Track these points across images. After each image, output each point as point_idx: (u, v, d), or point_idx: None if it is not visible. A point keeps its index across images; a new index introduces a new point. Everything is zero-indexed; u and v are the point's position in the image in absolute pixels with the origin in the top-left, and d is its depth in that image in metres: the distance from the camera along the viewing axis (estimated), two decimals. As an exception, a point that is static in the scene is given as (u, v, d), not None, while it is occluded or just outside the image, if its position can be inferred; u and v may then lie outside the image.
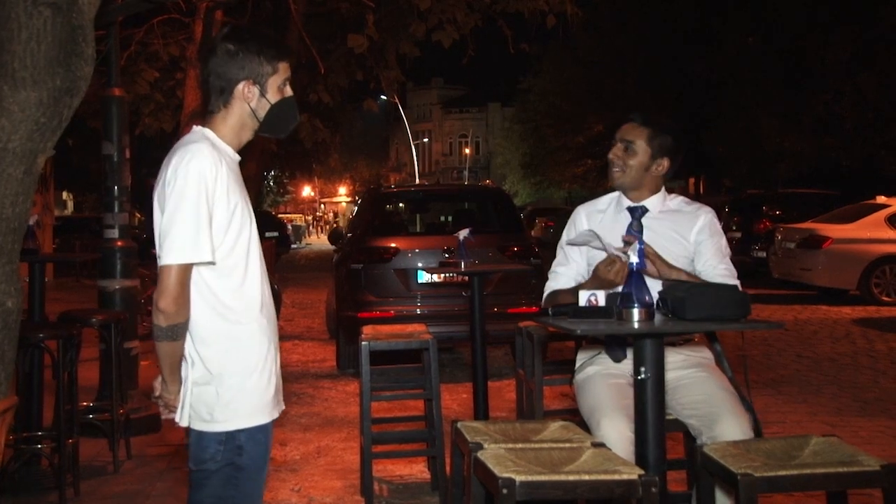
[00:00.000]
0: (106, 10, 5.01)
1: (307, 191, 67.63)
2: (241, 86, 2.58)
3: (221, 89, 2.59)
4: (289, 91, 2.66)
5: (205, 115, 2.67)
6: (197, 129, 2.62)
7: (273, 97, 2.62)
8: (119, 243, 6.16)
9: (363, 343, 4.69)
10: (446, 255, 7.48)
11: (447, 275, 7.64)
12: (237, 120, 2.61)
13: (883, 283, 13.06)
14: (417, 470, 5.24)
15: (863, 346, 9.41)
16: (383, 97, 14.89)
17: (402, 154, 70.41)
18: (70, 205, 40.08)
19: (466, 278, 5.61)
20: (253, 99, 2.60)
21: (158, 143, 13.88)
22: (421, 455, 5.23)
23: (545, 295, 3.62)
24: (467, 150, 69.42)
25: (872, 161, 23.11)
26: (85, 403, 5.62)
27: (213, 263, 2.48)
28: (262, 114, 2.62)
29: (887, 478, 2.55)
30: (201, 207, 2.43)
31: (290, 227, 39.71)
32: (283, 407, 2.71)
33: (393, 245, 8.07)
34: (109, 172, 6.16)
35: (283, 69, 2.63)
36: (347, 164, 59.86)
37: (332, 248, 10.79)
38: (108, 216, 6.21)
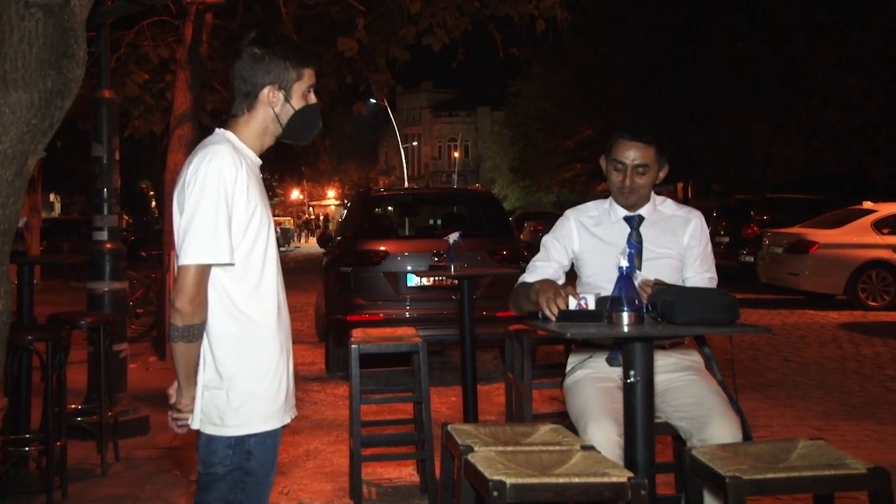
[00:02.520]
0: (96, 11, 5.00)
1: (296, 194, 67.48)
2: (266, 90, 2.58)
3: (246, 93, 2.59)
4: (313, 98, 2.67)
5: (228, 118, 2.66)
6: (219, 131, 2.62)
7: (297, 103, 2.62)
8: (108, 245, 6.15)
9: (353, 346, 4.69)
10: (436, 259, 7.49)
11: (437, 278, 7.65)
12: (260, 124, 2.62)
13: (869, 288, 13.14)
14: (407, 473, 5.24)
15: (849, 351, 9.46)
16: (373, 100, 14.88)
17: (392, 157, 70.38)
18: (57, 206, 39.92)
19: (456, 282, 5.62)
20: (277, 104, 2.60)
21: (148, 145, 13.84)
22: (410, 458, 5.23)
23: (517, 284, 3.56)
24: (456, 154, 69.45)
25: (860, 166, 23.23)
26: (73, 406, 5.60)
27: (231, 265, 2.48)
28: (285, 119, 2.62)
29: (874, 481, 2.57)
30: (220, 208, 2.43)
31: (279, 230, 39.59)
32: (295, 413, 2.72)
33: (382, 248, 8.07)
34: (99, 174, 6.15)
35: (308, 75, 2.63)
36: (337, 167, 59.69)
37: (321, 250, 10.79)
38: (97, 218, 6.19)
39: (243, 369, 2.53)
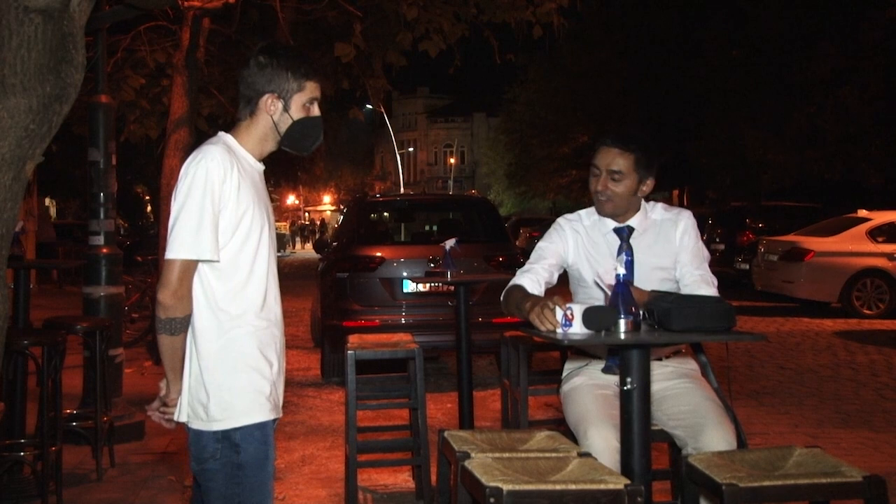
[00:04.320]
0: (94, 16, 5.00)
1: (291, 199, 67.52)
2: (265, 98, 2.65)
3: (249, 99, 2.67)
4: (315, 111, 2.72)
5: (234, 122, 2.74)
6: (220, 133, 2.70)
7: (296, 114, 2.68)
8: (104, 250, 6.15)
9: (349, 352, 4.69)
10: (432, 265, 7.49)
11: (433, 284, 7.65)
12: (261, 131, 2.68)
13: (864, 296, 13.16)
14: (402, 479, 5.24)
15: (844, 359, 9.48)
16: (369, 106, 14.91)
17: (387, 163, 70.38)
18: (52, 211, 39.86)
19: (452, 288, 5.63)
20: (276, 112, 2.66)
21: (143, 149, 13.83)
22: (406, 464, 5.23)
23: (509, 285, 3.48)
24: (452, 160, 69.46)
25: (854, 174, 23.32)
26: (68, 411, 5.59)
27: (214, 261, 2.54)
28: (283, 128, 2.68)
29: (870, 489, 2.58)
30: (206, 206, 2.49)
31: (274, 235, 39.37)
32: (281, 414, 2.72)
33: (379, 254, 8.07)
34: (95, 179, 6.15)
35: (311, 88, 2.69)
36: (332, 173, 59.75)
37: (317, 256, 10.80)
38: (93, 223, 6.19)
39: (224, 365, 2.57)
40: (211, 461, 2.58)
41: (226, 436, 2.57)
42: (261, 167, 2.72)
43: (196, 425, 2.59)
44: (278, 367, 2.70)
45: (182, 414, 2.60)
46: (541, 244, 3.63)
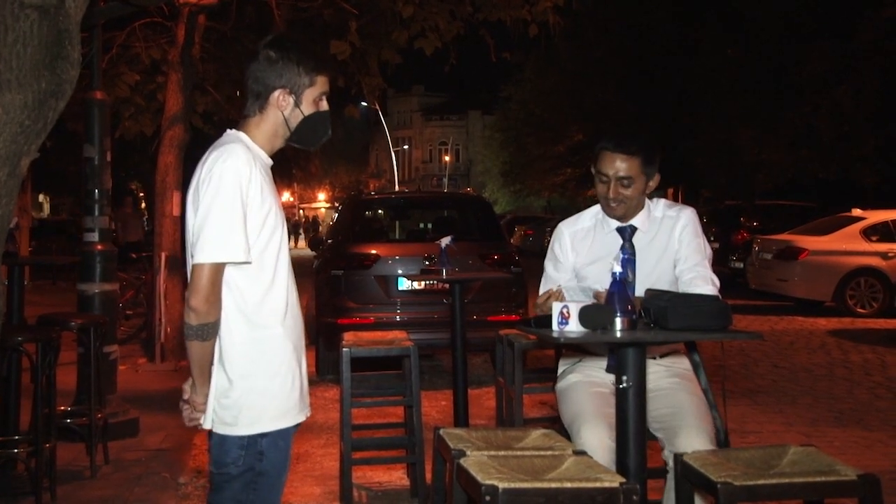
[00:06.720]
0: (89, 12, 4.99)
1: (286, 196, 67.42)
2: (276, 93, 2.60)
3: (258, 94, 2.61)
4: (324, 105, 2.68)
5: (241, 119, 2.68)
6: (231, 131, 2.64)
7: (307, 109, 2.63)
8: (99, 247, 6.13)
9: (345, 349, 4.69)
10: (427, 263, 7.48)
11: (428, 282, 7.65)
12: (270, 126, 2.63)
13: (858, 295, 13.19)
14: (396, 477, 5.24)
15: (838, 357, 9.50)
16: (364, 104, 14.87)
17: (382, 161, 70.35)
18: (46, 207, 39.80)
19: (447, 285, 5.62)
20: (287, 108, 2.61)
21: (138, 146, 13.81)
22: (401, 462, 5.23)
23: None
24: (447, 158, 69.48)
25: (849, 173, 23.38)
26: (63, 407, 5.57)
27: (248, 263, 2.49)
28: (293, 124, 2.64)
29: (864, 487, 2.59)
30: (236, 206, 2.44)
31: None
32: (309, 412, 2.71)
33: (374, 252, 8.07)
34: (90, 175, 6.14)
35: (321, 83, 2.65)
36: (327, 170, 59.67)
37: (312, 253, 10.79)
38: (88, 219, 6.18)
39: (255, 368, 2.54)
40: (232, 466, 2.54)
41: (252, 442, 2.54)
42: (271, 163, 2.68)
43: (221, 430, 2.55)
44: (306, 365, 2.69)
45: (207, 420, 2.55)
46: (547, 266, 3.60)
